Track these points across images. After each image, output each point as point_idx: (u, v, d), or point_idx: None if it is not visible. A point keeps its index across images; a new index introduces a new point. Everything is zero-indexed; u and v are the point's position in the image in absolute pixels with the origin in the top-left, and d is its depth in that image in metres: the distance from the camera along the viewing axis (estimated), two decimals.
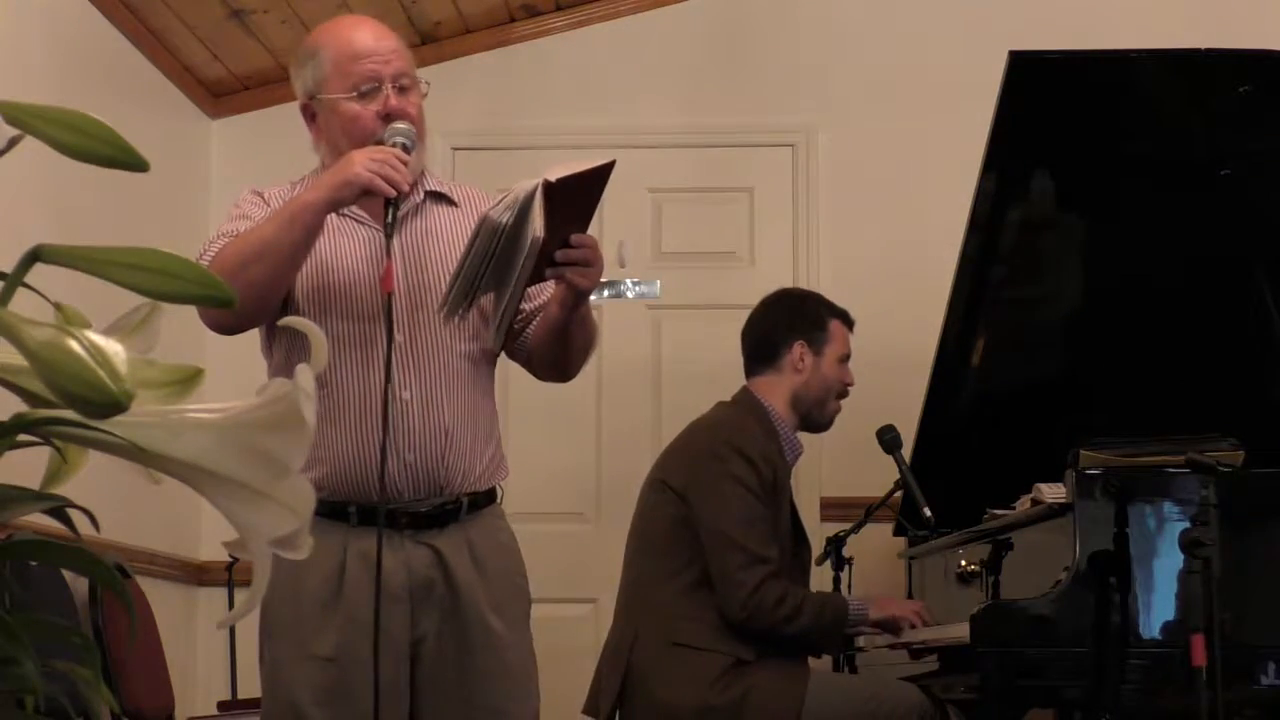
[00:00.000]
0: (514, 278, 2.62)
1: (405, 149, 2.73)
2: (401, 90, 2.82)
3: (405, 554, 2.73)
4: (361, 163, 2.64)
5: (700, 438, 3.92)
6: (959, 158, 4.40)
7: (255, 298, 2.62)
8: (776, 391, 3.96)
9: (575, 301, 2.74)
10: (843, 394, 4.05)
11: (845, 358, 4.04)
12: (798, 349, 3.97)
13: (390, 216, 2.69)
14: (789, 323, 4.02)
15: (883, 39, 5.42)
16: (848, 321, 4.08)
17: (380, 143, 2.75)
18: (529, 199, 2.55)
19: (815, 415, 4.01)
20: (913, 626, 3.87)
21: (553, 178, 2.56)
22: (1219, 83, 3.94)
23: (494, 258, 2.60)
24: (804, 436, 4.06)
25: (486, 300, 2.72)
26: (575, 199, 2.64)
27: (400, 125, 2.77)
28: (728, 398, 4.04)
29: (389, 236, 2.69)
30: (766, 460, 3.81)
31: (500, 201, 2.60)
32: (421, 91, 2.86)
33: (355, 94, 2.79)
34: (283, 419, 0.85)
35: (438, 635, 2.75)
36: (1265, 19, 5.08)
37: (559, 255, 2.65)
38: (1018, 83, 3.88)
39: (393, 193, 2.65)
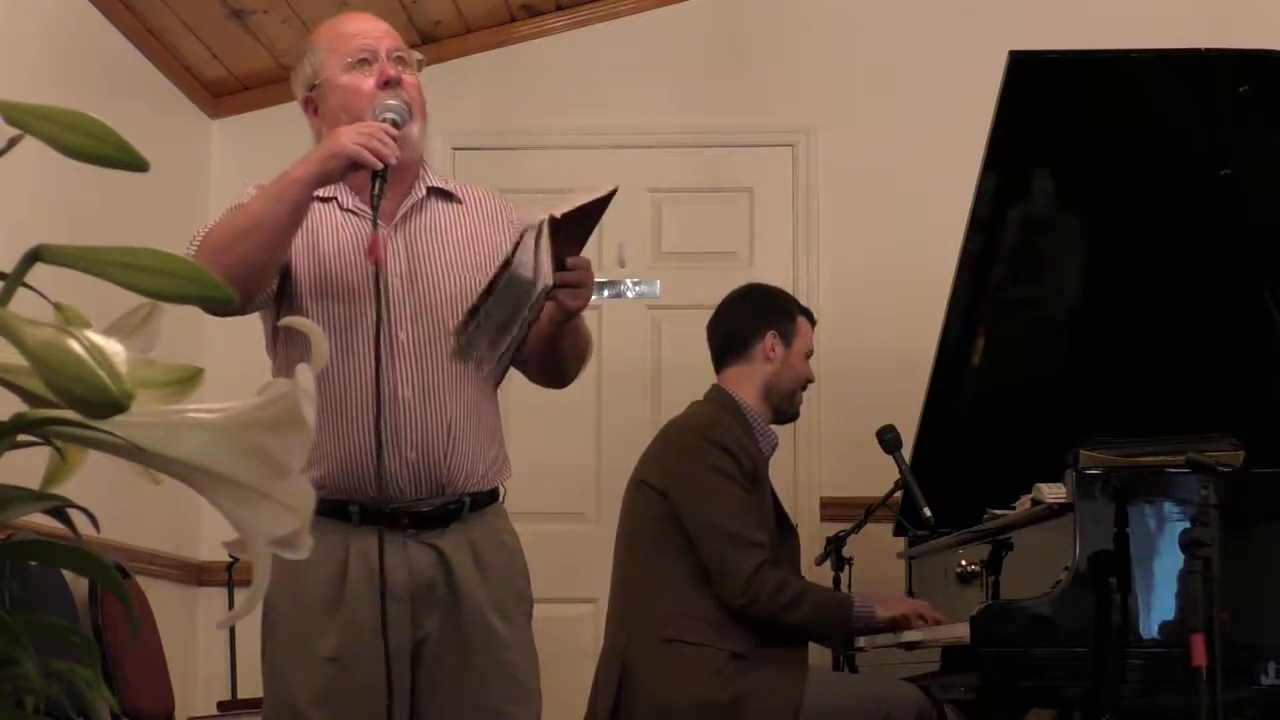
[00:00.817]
0: (518, 321, 2.64)
1: (395, 124, 2.73)
2: (398, 63, 2.83)
3: (407, 554, 2.72)
4: (349, 136, 2.63)
5: (676, 435, 3.95)
6: (959, 158, 4.40)
7: (245, 275, 2.60)
8: (747, 383, 3.98)
9: (565, 319, 2.75)
10: (805, 388, 4.08)
11: (809, 354, 4.09)
12: (770, 338, 4.01)
13: (377, 188, 2.67)
14: (760, 314, 4.06)
15: (883, 39, 5.42)
16: (811, 319, 4.14)
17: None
18: (536, 240, 2.57)
19: (785, 406, 4.04)
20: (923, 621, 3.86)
21: (558, 213, 2.57)
22: (1219, 83, 3.94)
23: (504, 302, 2.62)
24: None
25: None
26: (576, 226, 2.65)
27: (390, 101, 2.77)
28: None
29: (375, 208, 2.67)
30: (744, 450, 3.83)
31: (515, 249, 2.61)
32: (417, 66, 2.88)
33: (351, 66, 2.81)
34: (283, 419, 0.85)
35: (439, 636, 2.74)
36: (1265, 19, 5.08)
37: (555, 279, 2.65)
38: (1018, 83, 3.88)
39: (379, 165, 2.63)
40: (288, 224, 2.64)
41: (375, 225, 2.68)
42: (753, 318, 4.05)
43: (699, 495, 3.77)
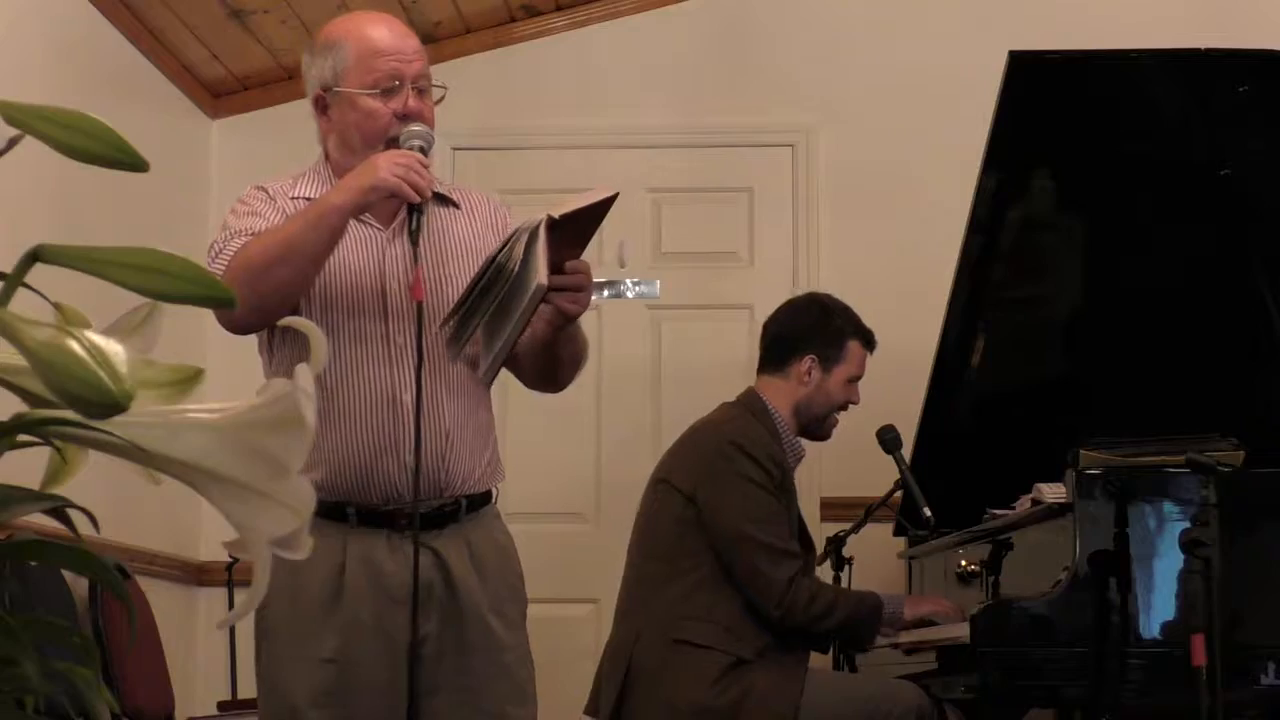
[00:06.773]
0: (513, 320, 2.62)
1: (423, 152, 2.73)
2: (420, 92, 2.82)
3: (405, 555, 2.72)
4: (387, 167, 2.63)
5: (706, 438, 3.90)
6: (959, 158, 4.40)
7: (278, 299, 2.62)
8: (780, 396, 3.95)
9: (563, 324, 2.74)
10: (844, 409, 4.02)
11: (855, 378, 3.99)
12: (807, 362, 3.93)
13: (415, 224, 2.70)
14: (806, 334, 3.97)
15: (883, 39, 5.42)
16: (869, 344, 4.01)
17: (394, 140, 2.75)
18: (533, 239, 2.56)
19: (814, 428, 4.00)
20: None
21: (556, 214, 2.56)
22: (1219, 83, 3.94)
23: (498, 300, 2.61)
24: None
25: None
26: (575, 230, 2.64)
27: (417, 127, 2.76)
28: (728, 398, 4.02)
29: (415, 244, 2.70)
30: (774, 461, 3.81)
31: (505, 244, 2.60)
32: (437, 96, 2.87)
33: (376, 90, 2.79)
34: (283, 419, 0.85)
35: (438, 637, 2.75)
36: (1265, 19, 5.08)
37: (552, 281, 2.64)
38: (1018, 83, 3.88)
39: (418, 198, 2.65)
40: (325, 251, 2.66)
41: (417, 262, 2.69)
42: (799, 335, 3.96)
43: (731, 504, 3.74)
